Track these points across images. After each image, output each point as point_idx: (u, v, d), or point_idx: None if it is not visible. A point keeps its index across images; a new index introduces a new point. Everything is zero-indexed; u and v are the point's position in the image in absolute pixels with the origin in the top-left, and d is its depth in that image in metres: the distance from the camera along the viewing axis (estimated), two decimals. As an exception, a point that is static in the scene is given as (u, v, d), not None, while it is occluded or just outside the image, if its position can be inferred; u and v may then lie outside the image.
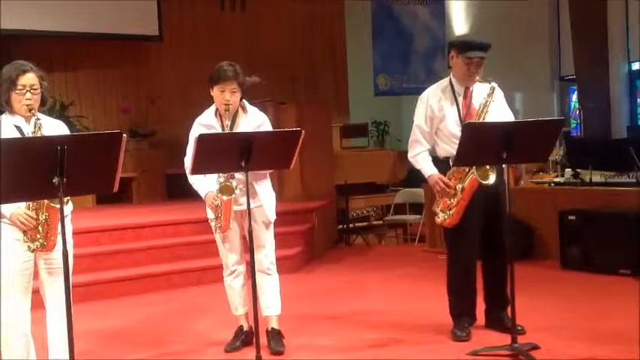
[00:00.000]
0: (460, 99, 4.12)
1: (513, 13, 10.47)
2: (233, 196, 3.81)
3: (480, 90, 4.09)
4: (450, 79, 4.17)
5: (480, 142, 3.69)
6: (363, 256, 7.57)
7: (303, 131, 3.69)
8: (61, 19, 8.98)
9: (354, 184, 8.91)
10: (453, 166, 4.01)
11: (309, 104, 9.15)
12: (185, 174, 3.93)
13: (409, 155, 4.27)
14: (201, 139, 3.49)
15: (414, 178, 9.56)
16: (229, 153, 3.55)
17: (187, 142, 4.00)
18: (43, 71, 3.51)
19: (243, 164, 3.55)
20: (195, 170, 3.61)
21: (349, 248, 8.10)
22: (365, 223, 8.94)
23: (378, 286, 5.87)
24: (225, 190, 3.81)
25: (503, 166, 3.81)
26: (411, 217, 8.54)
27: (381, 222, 8.96)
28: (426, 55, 11.37)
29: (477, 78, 4.04)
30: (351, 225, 8.47)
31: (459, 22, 11.49)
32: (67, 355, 3.18)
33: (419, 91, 12.83)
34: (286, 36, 10.82)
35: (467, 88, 4.12)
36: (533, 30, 10.63)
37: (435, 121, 4.15)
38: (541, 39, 10.72)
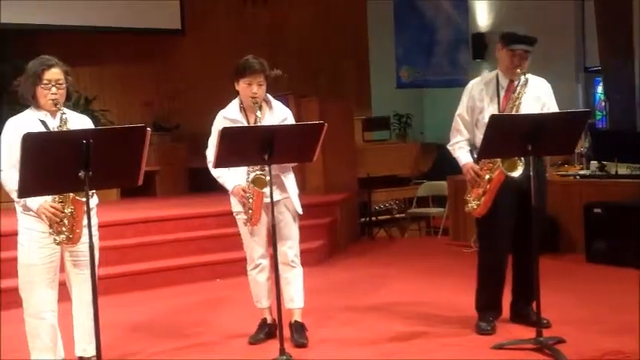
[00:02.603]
0: (502, 92, 4.10)
1: (538, 4, 10.35)
2: (265, 188, 3.78)
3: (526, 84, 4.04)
4: (497, 72, 4.16)
5: (504, 134, 3.68)
6: (386, 249, 7.56)
7: (325, 124, 3.69)
8: (85, 14, 9.06)
9: (377, 177, 8.88)
10: (477, 157, 4.00)
11: (331, 97, 9.13)
12: (207, 167, 3.94)
13: (449, 144, 4.27)
14: (225, 132, 3.48)
15: (438, 170, 9.53)
16: (252, 146, 3.55)
17: (210, 135, 4.01)
18: (67, 66, 3.54)
19: (266, 157, 3.56)
20: (219, 164, 3.60)
21: (372, 241, 8.09)
22: (387, 216, 8.91)
23: (401, 279, 5.85)
24: (259, 181, 3.78)
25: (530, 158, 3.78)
26: (434, 210, 8.50)
27: (403, 215, 8.93)
28: (449, 48, 11.29)
29: (519, 71, 4.00)
30: (373, 218, 8.46)
31: (483, 13, 11.38)
32: (93, 347, 3.23)
33: (442, 83, 12.66)
34: (308, 29, 10.80)
35: (511, 82, 4.08)
36: (557, 21, 10.49)
37: (476, 111, 4.15)
38: (566, 30, 10.59)
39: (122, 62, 9.75)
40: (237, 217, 4.07)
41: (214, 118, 4.06)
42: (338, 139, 7.29)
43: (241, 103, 4.01)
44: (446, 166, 9.08)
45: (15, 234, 3.54)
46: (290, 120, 4.04)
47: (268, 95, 4.03)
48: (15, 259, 3.53)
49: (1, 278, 5.18)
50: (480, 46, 11.06)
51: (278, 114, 4.02)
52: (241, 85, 3.93)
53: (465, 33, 11.29)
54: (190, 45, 10.00)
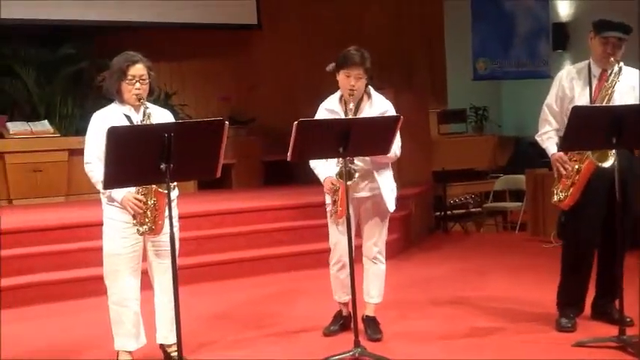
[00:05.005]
0: (594, 81, 3.97)
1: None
2: (353, 180, 3.75)
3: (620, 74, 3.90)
4: (590, 61, 4.05)
5: (587, 126, 3.57)
6: (461, 243, 7.46)
7: (401, 117, 3.66)
8: (165, 11, 9.31)
9: (452, 171, 8.77)
10: (558, 149, 3.90)
11: (407, 90, 9.04)
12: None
13: (537, 134, 4.17)
14: (300, 124, 3.48)
15: (515, 164, 9.32)
16: (328, 139, 3.54)
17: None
18: (150, 61, 3.64)
19: (341, 150, 3.56)
20: (295, 157, 3.58)
21: (446, 236, 8.00)
22: (463, 211, 8.78)
23: (478, 274, 5.77)
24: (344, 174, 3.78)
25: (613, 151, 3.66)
26: (511, 205, 8.34)
27: (479, 209, 8.79)
28: (529, 38, 10.97)
29: (612, 60, 3.86)
30: (448, 212, 8.36)
31: (564, 3, 11.03)
32: (174, 334, 3.33)
33: (520, 75, 12.26)
34: (383, 20, 10.73)
35: (604, 71, 3.96)
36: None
37: (566, 101, 4.03)
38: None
39: (200, 58, 9.94)
40: (327, 209, 4.04)
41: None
42: (413, 131, 7.20)
43: (342, 94, 3.97)
44: (524, 159, 8.89)
45: (100, 224, 3.68)
46: (390, 113, 3.97)
47: (370, 88, 3.99)
48: (99, 249, 3.67)
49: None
50: (561, 37, 10.70)
51: (378, 107, 3.97)
52: (341, 77, 3.90)
53: (546, 23, 10.94)
54: (266, 40, 10.10)
